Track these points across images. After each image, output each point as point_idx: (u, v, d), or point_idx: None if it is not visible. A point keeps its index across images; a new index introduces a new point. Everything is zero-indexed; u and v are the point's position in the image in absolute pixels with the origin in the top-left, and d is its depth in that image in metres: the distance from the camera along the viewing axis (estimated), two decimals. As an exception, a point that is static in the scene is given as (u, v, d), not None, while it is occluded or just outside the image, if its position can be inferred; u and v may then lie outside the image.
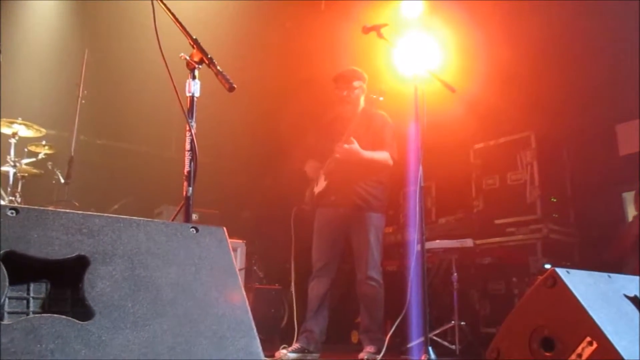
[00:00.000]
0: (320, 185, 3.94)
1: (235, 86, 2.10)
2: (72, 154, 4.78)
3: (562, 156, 5.11)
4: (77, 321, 1.23)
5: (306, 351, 3.63)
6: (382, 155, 3.79)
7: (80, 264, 1.32)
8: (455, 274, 4.21)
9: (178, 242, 1.51)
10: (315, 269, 3.83)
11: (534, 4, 5.00)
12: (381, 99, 3.79)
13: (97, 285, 1.31)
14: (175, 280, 1.44)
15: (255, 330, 1.45)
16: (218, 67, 2.14)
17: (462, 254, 4.37)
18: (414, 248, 3.36)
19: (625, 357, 1.88)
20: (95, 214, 1.41)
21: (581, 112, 4.97)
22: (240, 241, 4.32)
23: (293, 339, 3.75)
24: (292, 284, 4.13)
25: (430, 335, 3.41)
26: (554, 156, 5.02)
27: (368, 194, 3.82)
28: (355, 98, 3.91)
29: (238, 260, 4.28)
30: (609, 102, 5.05)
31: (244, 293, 1.52)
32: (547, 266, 4.07)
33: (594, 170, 5.12)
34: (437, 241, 4.37)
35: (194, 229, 1.55)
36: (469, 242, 4.27)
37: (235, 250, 4.27)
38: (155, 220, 1.53)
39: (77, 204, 4.49)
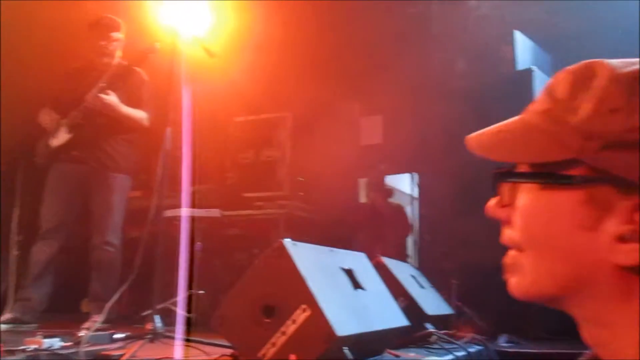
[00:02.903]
0: (60, 138, 3.56)
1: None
2: None
3: (314, 140, 5.50)
4: None
5: (20, 321, 3.23)
6: (139, 114, 3.63)
7: None
8: (200, 243, 4.21)
9: None
10: (43, 230, 3.44)
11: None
12: (151, 56, 3.60)
13: None
14: None
15: None
16: None
17: (208, 224, 4.38)
18: (160, 215, 3.28)
19: (332, 322, 2.09)
20: None
21: (333, 102, 5.43)
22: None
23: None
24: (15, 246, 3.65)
25: (168, 303, 3.35)
26: (307, 139, 5.38)
27: (116, 153, 3.61)
28: (113, 50, 3.67)
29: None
30: (357, 97, 5.64)
31: None
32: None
33: (339, 156, 5.68)
34: (184, 209, 4.31)
35: None
36: (216, 212, 4.31)
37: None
38: None
39: None
